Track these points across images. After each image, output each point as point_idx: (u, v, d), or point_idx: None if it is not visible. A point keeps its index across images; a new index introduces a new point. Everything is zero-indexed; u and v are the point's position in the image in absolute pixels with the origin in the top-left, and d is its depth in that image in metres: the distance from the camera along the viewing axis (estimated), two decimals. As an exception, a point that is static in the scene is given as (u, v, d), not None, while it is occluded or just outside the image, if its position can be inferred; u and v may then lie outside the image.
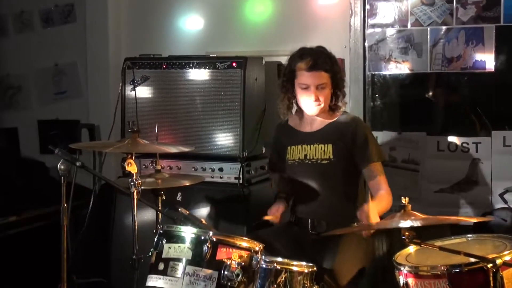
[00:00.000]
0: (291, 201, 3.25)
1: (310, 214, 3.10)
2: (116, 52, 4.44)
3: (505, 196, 3.60)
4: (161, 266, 2.40)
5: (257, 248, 2.43)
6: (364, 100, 3.90)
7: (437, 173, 3.74)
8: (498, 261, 2.21)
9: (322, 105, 3.06)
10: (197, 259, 2.37)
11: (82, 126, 4.46)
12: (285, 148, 3.19)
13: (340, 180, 3.06)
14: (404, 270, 2.39)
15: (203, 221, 2.73)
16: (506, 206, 3.59)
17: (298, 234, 3.12)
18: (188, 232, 2.45)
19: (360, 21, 3.86)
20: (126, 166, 2.73)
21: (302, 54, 3.07)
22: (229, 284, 2.33)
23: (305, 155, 3.11)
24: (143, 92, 3.80)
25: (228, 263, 2.34)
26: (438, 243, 2.54)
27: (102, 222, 3.83)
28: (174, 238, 2.44)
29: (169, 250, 2.42)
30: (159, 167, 3.21)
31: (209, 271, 2.34)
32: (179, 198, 3.50)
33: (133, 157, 2.84)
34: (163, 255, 2.43)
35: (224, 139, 3.61)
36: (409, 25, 3.76)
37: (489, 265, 2.21)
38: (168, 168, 3.66)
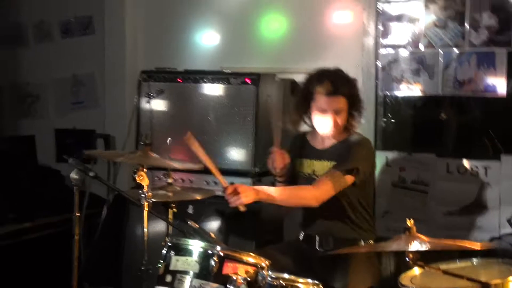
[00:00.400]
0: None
1: (317, 231, 3.13)
2: (133, 64, 4.48)
3: (512, 221, 3.58)
4: (168, 278, 2.43)
5: (263, 264, 2.44)
6: (376, 120, 3.90)
7: (446, 195, 3.71)
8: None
9: (338, 127, 3.06)
10: (204, 273, 2.39)
11: (98, 136, 4.48)
12: (297, 158, 3.20)
13: (345, 197, 3.05)
14: (408, 292, 2.39)
15: (212, 235, 2.75)
16: (513, 231, 3.56)
17: (305, 251, 3.14)
18: (196, 245, 2.47)
19: (373, 41, 3.87)
20: (137, 178, 2.77)
21: (321, 77, 3.05)
22: (234, 298, 2.35)
23: (313, 171, 3.14)
24: (158, 105, 3.85)
25: (234, 278, 2.35)
26: (443, 266, 2.52)
27: (115, 231, 3.87)
28: (182, 251, 2.47)
29: (177, 262, 2.44)
30: (170, 180, 3.24)
31: (215, 285, 2.36)
32: (190, 211, 3.54)
33: (145, 169, 2.88)
34: (171, 268, 2.45)
35: (236, 154, 3.65)
36: (421, 47, 3.75)
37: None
38: (180, 180, 3.70)
